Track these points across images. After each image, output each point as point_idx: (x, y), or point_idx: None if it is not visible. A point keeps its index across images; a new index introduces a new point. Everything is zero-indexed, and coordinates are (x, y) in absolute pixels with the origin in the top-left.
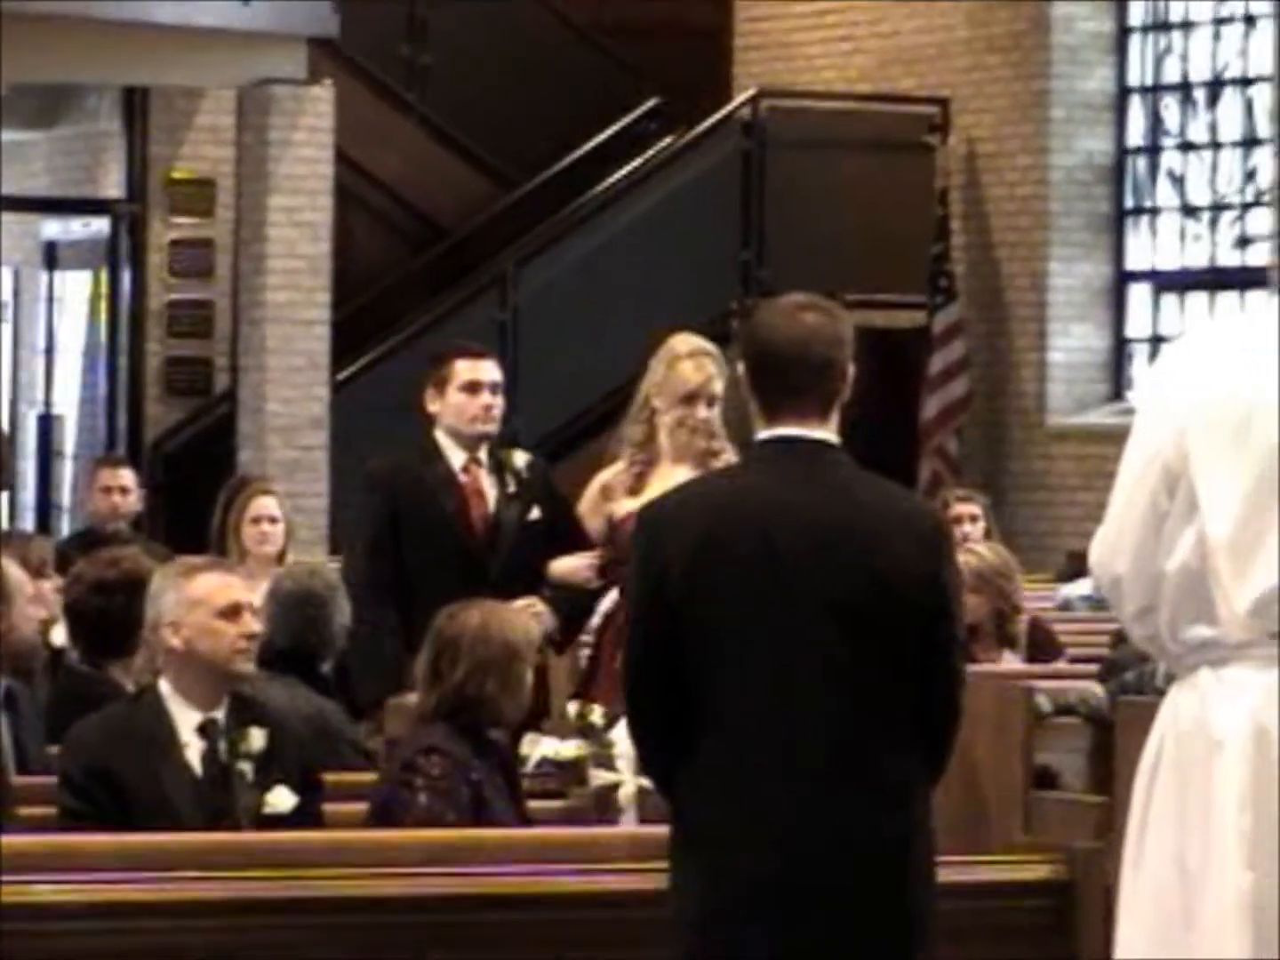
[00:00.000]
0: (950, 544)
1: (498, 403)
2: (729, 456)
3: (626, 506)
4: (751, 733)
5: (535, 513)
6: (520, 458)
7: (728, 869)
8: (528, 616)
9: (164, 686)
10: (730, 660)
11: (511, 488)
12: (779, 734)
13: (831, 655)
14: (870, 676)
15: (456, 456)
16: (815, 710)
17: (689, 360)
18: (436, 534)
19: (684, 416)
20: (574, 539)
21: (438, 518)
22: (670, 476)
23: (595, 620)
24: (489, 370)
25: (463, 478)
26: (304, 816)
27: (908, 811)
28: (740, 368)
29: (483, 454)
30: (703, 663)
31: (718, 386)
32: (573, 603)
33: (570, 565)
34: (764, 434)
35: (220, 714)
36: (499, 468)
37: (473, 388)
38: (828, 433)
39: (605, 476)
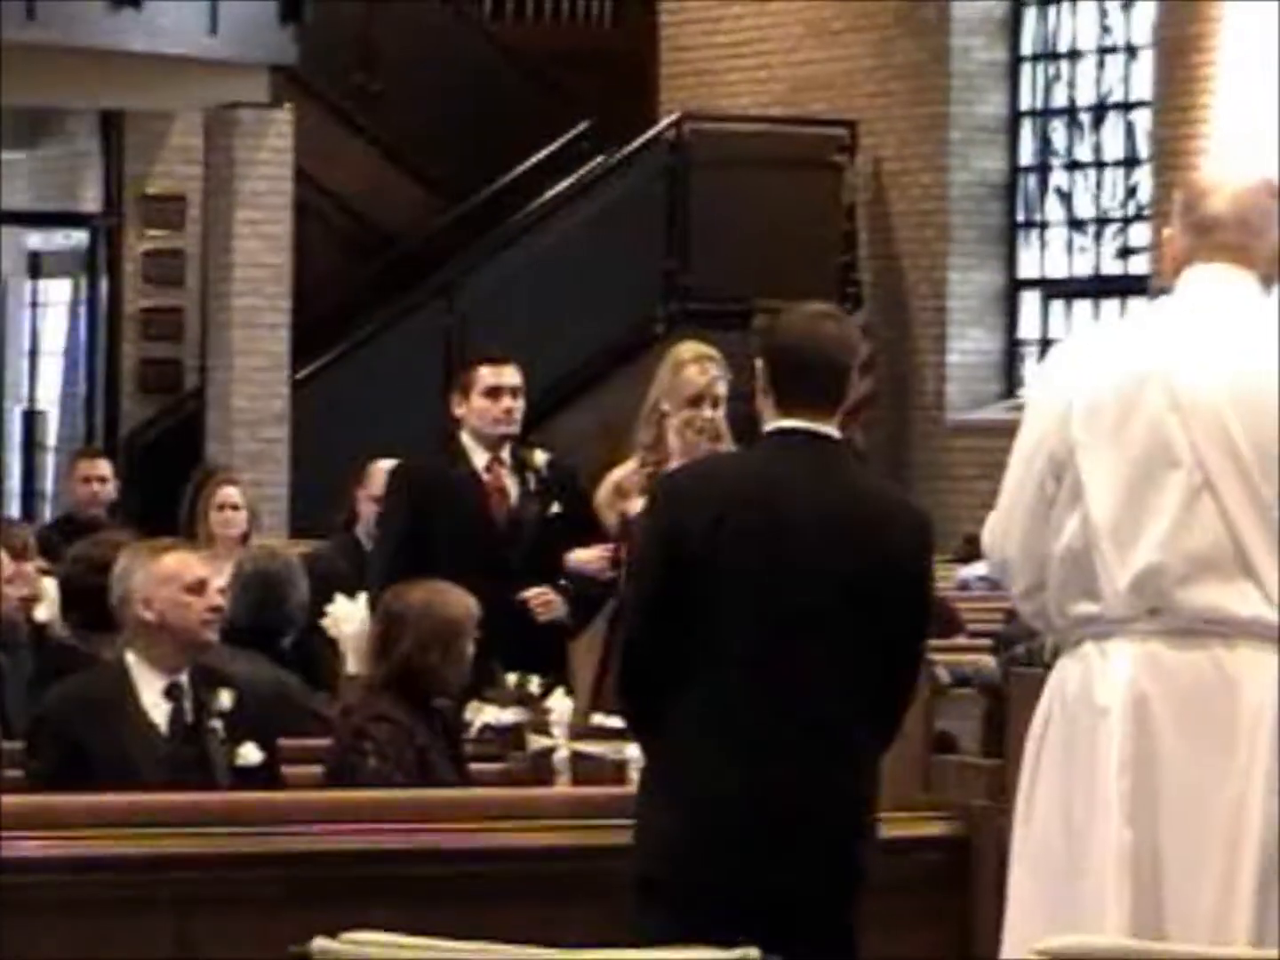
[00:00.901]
0: (934, 540)
1: (519, 405)
2: None
3: (639, 505)
4: (741, 690)
5: (555, 508)
6: (540, 457)
7: (698, 806)
8: (467, 595)
9: (130, 656)
10: (730, 622)
11: (532, 485)
12: (766, 695)
13: (824, 627)
14: (854, 651)
15: (480, 457)
16: (803, 677)
17: (694, 365)
18: (462, 529)
19: (691, 418)
20: (592, 533)
21: (463, 514)
22: None
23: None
24: (510, 375)
25: (486, 476)
26: (268, 773)
27: (868, 776)
28: (759, 364)
29: (505, 454)
30: (704, 621)
31: (722, 388)
32: (586, 592)
33: (585, 556)
34: (777, 424)
35: (183, 678)
36: (520, 467)
37: (494, 392)
38: (833, 429)
39: (618, 475)
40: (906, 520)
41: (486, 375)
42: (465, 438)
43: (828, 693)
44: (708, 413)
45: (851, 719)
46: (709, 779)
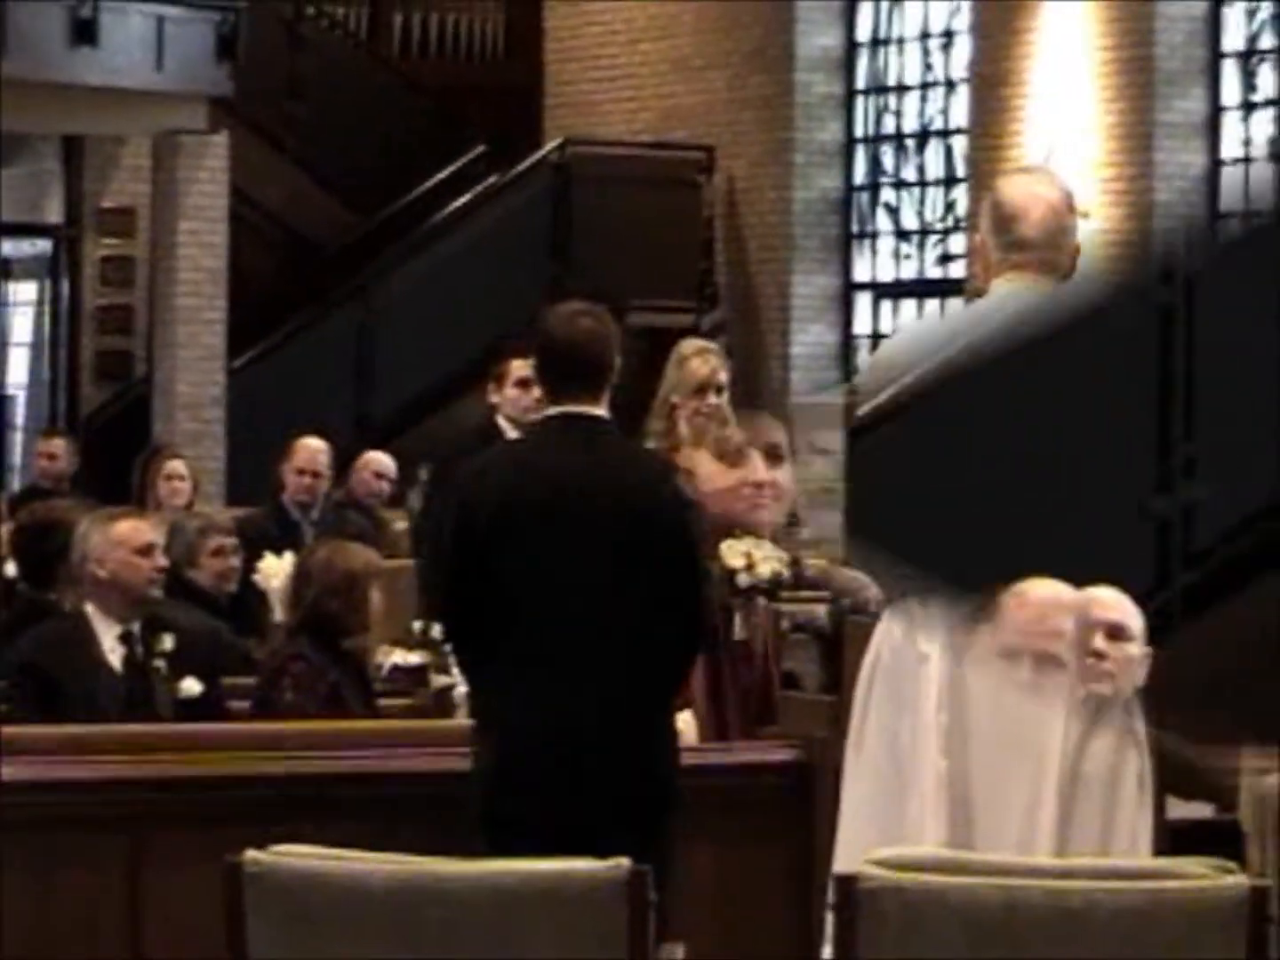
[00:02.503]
0: (690, 496)
1: None
2: (739, 436)
3: None
4: (538, 643)
5: None
6: None
7: (511, 745)
8: (368, 550)
9: (89, 608)
10: (524, 587)
11: None
12: (560, 646)
13: (606, 584)
14: (638, 601)
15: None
16: (595, 632)
17: (696, 358)
18: None
19: (699, 405)
20: None
21: None
22: (691, 459)
23: None
24: None
25: None
26: (210, 700)
27: (663, 709)
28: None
29: None
30: (501, 590)
31: (724, 376)
32: None
33: None
34: (550, 411)
35: (136, 627)
36: None
37: (526, 383)
38: (600, 410)
39: None
40: (669, 485)
41: (519, 367)
42: (501, 422)
43: (618, 642)
44: (712, 399)
45: (643, 665)
46: (514, 722)
